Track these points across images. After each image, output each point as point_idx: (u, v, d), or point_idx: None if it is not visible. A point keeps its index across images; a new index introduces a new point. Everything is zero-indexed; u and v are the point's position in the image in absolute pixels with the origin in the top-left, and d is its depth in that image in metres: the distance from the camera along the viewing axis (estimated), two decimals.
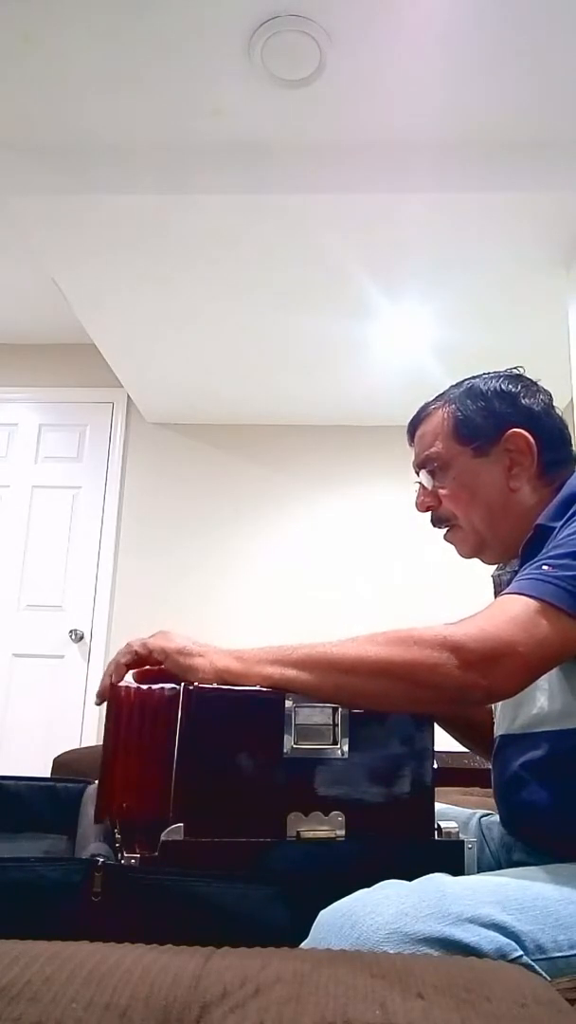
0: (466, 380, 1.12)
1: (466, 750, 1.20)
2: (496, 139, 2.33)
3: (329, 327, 3.10)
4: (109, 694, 0.85)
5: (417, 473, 1.12)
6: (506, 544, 1.05)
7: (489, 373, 1.12)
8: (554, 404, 1.10)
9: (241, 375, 3.60)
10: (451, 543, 1.12)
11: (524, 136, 2.33)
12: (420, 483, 1.12)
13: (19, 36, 2.06)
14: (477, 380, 1.11)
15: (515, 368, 1.13)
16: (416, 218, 2.48)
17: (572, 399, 2.69)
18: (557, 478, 1.03)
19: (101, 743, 0.85)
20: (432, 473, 1.10)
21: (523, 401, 1.07)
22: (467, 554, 1.11)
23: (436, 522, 1.12)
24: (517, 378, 1.10)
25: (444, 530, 1.12)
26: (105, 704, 0.85)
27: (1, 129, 2.36)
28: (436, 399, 1.13)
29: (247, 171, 2.40)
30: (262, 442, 4.03)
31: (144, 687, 0.86)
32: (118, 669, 0.87)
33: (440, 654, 0.78)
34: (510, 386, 1.08)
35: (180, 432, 4.06)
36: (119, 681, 0.86)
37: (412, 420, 1.15)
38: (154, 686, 0.86)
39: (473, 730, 1.13)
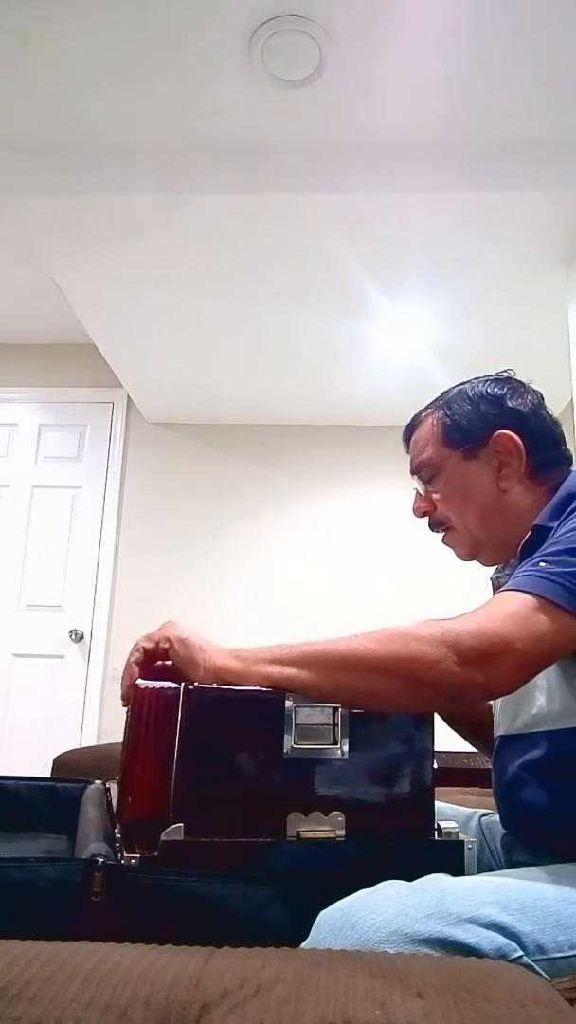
0: (455, 386, 1.15)
1: (466, 750, 1.20)
2: (496, 139, 2.33)
3: (329, 327, 3.10)
4: (132, 694, 0.85)
5: (413, 479, 1.14)
6: (501, 545, 1.06)
7: (479, 377, 1.14)
8: (544, 405, 1.11)
9: (241, 375, 3.60)
10: (449, 546, 1.14)
11: (524, 136, 2.33)
12: (416, 489, 1.13)
13: (19, 37, 2.06)
14: (466, 385, 1.13)
15: (506, 371, 1.15)
16: (416, 218, 2.48)
17: (572, 399, 2.69)
18: (550, 478, 1.04)
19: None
20: (425, 479, 1.12)
21: (510, 403, 1.08)
22: (465, 556, 1.13)
23: (433, 526, 1.14)
24: (505, 380, 1.12)
25: (442, 534, 1.13)
26: (126, 706, 0.86)
27: (1, 129, 2.36)
28: (428, 406, 1.16)
29: (247, 171, 2.40)
30: (262, 442, 4.03)
31: (151, 685, 0.86)
32: (132, 670, 0.87)
33: (438, 651, 0.78)
34: (497, 389, 1.10)
35: (180, 432, 4.06)
36: (135, 680, 0.87)
37: (406, 427, 1.18)
38: (158, 684, 0.86)
39: (480, 728, 1.13)
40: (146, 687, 0.85)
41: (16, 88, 2.22)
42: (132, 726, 0.84)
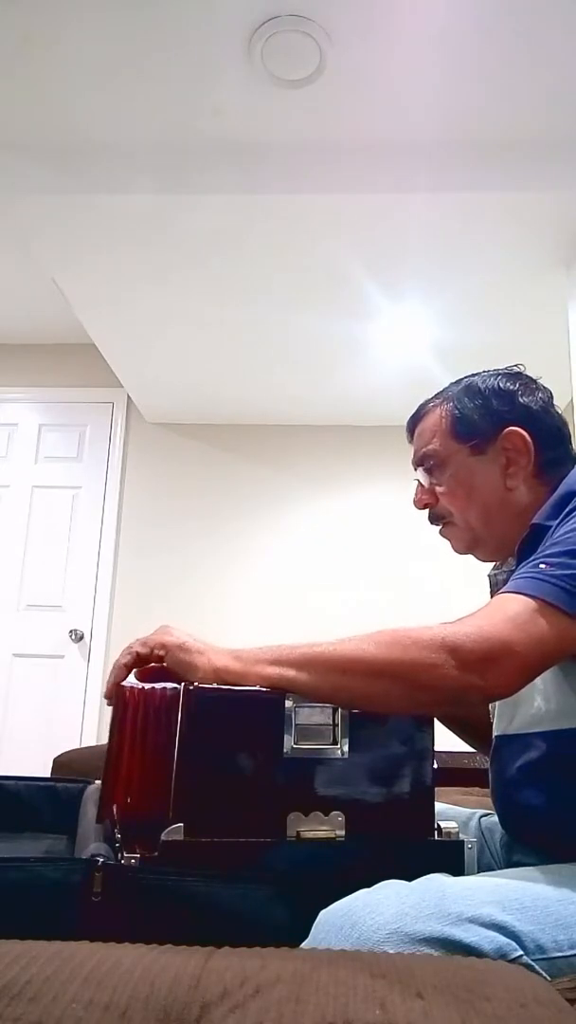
0: (465, 377, 1.12)
1: (466, 750, 1.20)
2: (496, 139, 2.33)
3: (329, 327, 3.10)
4: (114, 694, 0.85)
5: (415, 470, 1.13)
6: (500, 542, 1.05)
7: (489, 371, 1.12)
8: (554, 402, 1.10)
9: (241, 375, 3.60)
10: (446, 539, 1.13)
11: (524, 136, 2.33)
12: (418, 480, 1.12)
13: (19, 36, 2.06)
14: (476, 378, 1.11)
15: (515, 366, 1.13)
16: (416, 218, 2.48)
17: (572, 399, 2.69)
18: (555, 477, 1.03)
19: (100, 742, 0.85)
20: (429, 471, 1.10)
21: (521, 400, 1.06)
22: (462, 550, 1.11)
23: (433, 519, 1.12)
24: (516, 376, 1.10)
25: (439, 527, 1.12)
26: (110, 705, 0.86)
27: (1, 129, 2.36)
28: (435, 396, 1.13)
29: (247, 171, 2.40)
30: (262, 442, 4.03)
31: (147, 687, 0.86)
32: (119, 671, 0.87)
33: (438, 655, 0.78)
34: (508, 384, 1.08)
35: (180, 432, 4.06)
36: (122, 680, 0.87)
37: (411, 417, 1.15)
38: (156, 685, 0.86)
39: (477, 729, 1.13)
40: (131, 688, 0.85)
41: (16, 88, 2.22)
42: (116, 727, 0.84)
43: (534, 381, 1.10)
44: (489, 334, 3.04)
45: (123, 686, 0.85)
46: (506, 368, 1.12)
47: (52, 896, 0.70)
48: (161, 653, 0.86)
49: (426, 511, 1.12)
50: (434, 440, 1.09)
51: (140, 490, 3.98)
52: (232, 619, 3.61)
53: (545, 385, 1.11)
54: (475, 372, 1.13)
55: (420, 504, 1.12)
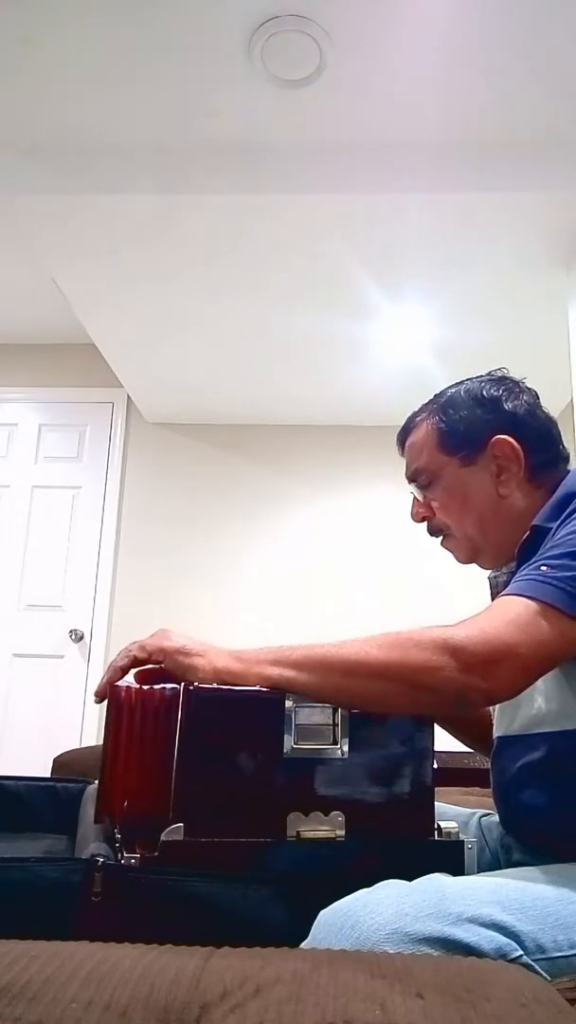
0: (449, 388, 1.12)
1: (466, 750, 1.20)
2: (496, 139, 2.33)
3: (329, 327, 3.10)
4: (109, 694, 0.85)
5: (409, 484, 1.13)
6: (500, 549, 1.05)
7: (472, 379, 1.11)
8: (540, 404, 1.09)
9: (241, 375, 3.60)
10: (448, 550, 1.13)
11: (524, 136, 2.33)
12: (413, 494, 1.13)
13: (19, 36, 2.06)
14: (460, 387, 1.11)
15: (499, 369, 1.13)
16: (416, 218, 2.48)
17: (572, 399, 2.69)
18: (548, 479, 1.03)
19: (100, 743, 0.85)
20: (423, 486, 1.10)
21: (506, 406, 1.06)
22: (464, 560, 1.12)
23: (432, 532, 1.13)
24: (500, 381, 1.10)
25: (440, 540, 1.13)
26: (106, 705, 0.86)
27: (1, 129, 2.36)
28: (422, 409, 1.13)
29: (247, 171, 2.40)
30: (262, 442, 4.03)
31: (144, 687, 0.86)
32: (115, 672, 0.87)
33: (440, 657, 0.78)
34: (492, 391, 1.08)
35: (180, 432, 4.06)
36: (116, 682, 0.86)
37: (401, 430, 1.15)
38: (154, 686, 0.86)
39: (474, 729, 1.13)
40: (126, 688, 0.85)
41: (16, 88, 2.22)
42: (110, 728, 0.84)
43: (518, 384, 1.10)
44: (489, 334, 3.04)
45: (117, 686, 0.85)
46: (489, 373, 1.12)
47: (52, 896, 0.70)
48: (160, 659, 0.86)
49: (424, 524, 1.12)
50: (423, 454, 1.09)
51: (140, 490, 3.98)
52: (232, 619, 3.61)
53: (530, 386, 1.11)
54: (459, 381, 1.12)
55: (417, 518, 1.12)
